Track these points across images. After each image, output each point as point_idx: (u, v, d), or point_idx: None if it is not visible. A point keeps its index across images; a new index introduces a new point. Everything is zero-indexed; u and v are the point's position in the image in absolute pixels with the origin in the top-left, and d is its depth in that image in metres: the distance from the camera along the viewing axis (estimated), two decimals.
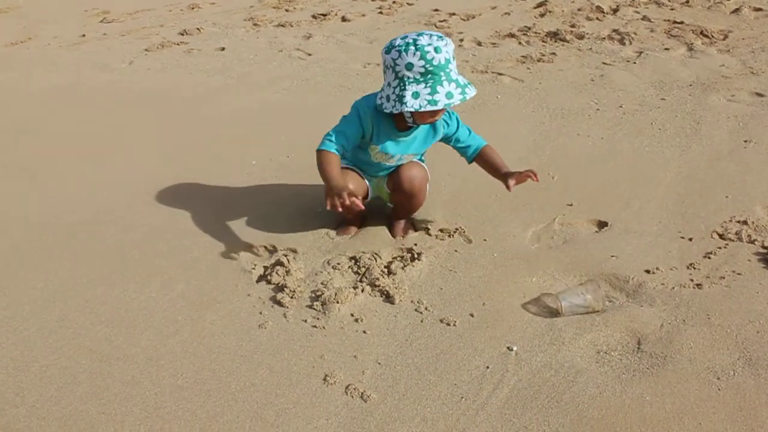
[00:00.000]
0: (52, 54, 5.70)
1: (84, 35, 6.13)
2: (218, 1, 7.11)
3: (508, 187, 2.45)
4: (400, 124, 2.48)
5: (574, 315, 2.20)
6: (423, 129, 2.55)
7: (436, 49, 2.24)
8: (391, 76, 2.33)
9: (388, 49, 2.32)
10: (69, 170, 3.49)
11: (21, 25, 6.62)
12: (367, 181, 2.68)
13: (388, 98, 2.35)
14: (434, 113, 2.37)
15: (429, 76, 2.26)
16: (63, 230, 2.90)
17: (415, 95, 2.27)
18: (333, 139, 2.45)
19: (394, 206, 2.75)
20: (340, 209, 2.34)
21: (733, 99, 3.67)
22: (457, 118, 2.60)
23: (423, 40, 2.25)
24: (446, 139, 2.62)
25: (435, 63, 2.24)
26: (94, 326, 2.30)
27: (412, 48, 2.25)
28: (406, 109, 2.29)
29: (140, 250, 2.71)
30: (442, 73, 2.26)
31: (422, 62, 2.24)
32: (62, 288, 2.50)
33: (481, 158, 2.61)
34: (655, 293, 2.28)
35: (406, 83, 2.29)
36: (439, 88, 2.26)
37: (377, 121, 2.47)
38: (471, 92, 2.32)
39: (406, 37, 2.30)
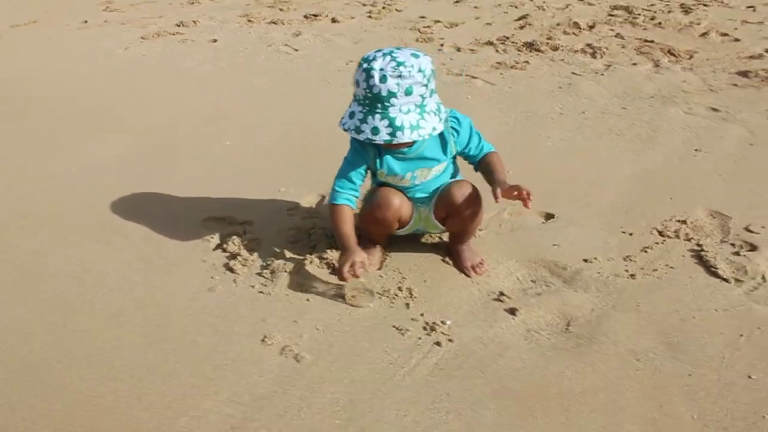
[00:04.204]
0: (54, 37, 5.89)
1: (86, 21, 6.29)
2: None
3: (495, 197, 2.19)
4: None
5: None
6: (429, 137, 2.23)
7: (382, 78, 2.03)
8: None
9: None
10: (58, 143, 3.65)
11: (27, 9, 6.76)
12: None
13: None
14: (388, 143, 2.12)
15: (368, 102, 2.08)
16: (39, 196, 3.05)
17: (351, 115, 2.14)
18: (340, 187, 2.29)
19: (451, 232, 2.48)
20: (346, 281, 2.18)
21: (690, 112, 3.79)
22: (470, 126, 2.36)
23: (378, 63, 2.05)
24: (460, 154, 2.40)
25: (374, 91, 2.05)
26: (53, 282, 2.41)
27: (365, 66, 2.07)
28: (340, 125, 2.17)
29: (108, 217, 2.85)
30: (379, 105, 2.06)
31: (365, 85, 2.07)
32: (29, 249, 2.63)
33: (483, 163, 2.38)
34: (591, 281, 2.37)
35: (353, 97, 2.17)
36: (369, 118, 2.07)
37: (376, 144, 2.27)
38: (405, 136, 2.06)
39: (379, 51, 2.11)
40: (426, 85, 2.12)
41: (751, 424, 1.77)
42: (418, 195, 2.39)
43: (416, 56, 2.11)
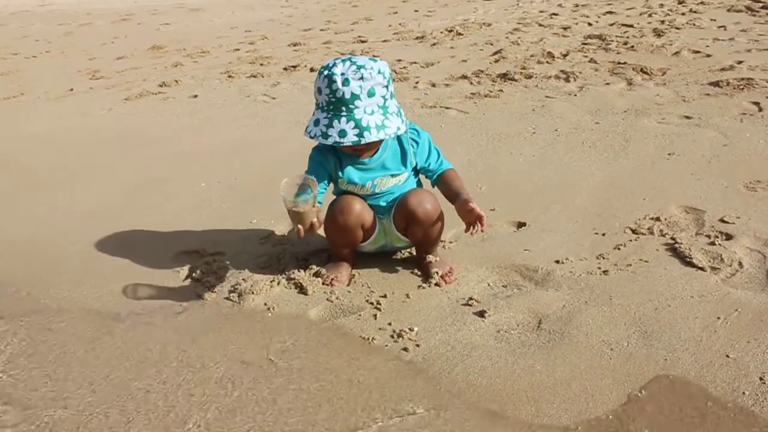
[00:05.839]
0: (40, 104, 5.98)
1: (72, 89, 6.41)
2: (200, 60, 7.42)
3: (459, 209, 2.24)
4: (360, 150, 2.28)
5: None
6: (389, 148, 2.34)
7: (344, 82, 2.07)
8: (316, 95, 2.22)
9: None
10: (35, 195, 3.65)
11: (17, 84, 6.93)
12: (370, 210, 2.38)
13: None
14: (352, 146, 2.15)
15: (332, 107, 2.11)
16: (19, 239, 3.04)
17: (316, 122, 2.16)
18: None
19: (416, 243, 2.46)
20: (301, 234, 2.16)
21: (663, 121, 3.80)
22: (428, 140, 2.40)
23: (339, 69, 2.10)
24: (420, 169, 2.42)
25: (338, 95, 2.08)
26: (25, 316, 2.38)
27: (326, 72, 2.12)
28: (305, 134, 2.19)
29: (82, 257, 2.83)
30: (343, 108, 2.09)
31: (327, 90, 2.10)
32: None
33: (442, 180, 2.40)
34: (562, 280, 2.31)
35: (316, 106, 2.20)
36: (335, 122, 2.10)
37: (336, 152, 2.32)
38: (373, 135, 2.09)
39: (338, 59, 2.15)
40: (386, 87, 2.15)
41: (730, 401, 1.69)
42: (380, 203, 2.38)
43: (374, 60, 2.16)
